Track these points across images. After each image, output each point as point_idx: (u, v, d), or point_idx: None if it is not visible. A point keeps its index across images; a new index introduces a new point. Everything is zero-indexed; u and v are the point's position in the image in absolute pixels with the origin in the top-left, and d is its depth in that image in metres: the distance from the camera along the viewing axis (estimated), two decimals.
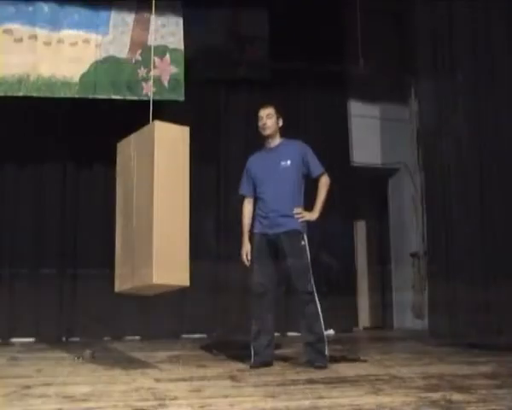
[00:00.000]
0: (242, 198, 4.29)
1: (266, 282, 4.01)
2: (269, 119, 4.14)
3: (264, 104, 4.23)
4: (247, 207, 4.24)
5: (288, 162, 4.08)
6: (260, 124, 4.17)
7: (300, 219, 4.03)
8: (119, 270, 3.95)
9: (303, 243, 4.01)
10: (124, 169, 4.01)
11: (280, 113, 4.22)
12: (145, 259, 3.61)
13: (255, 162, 4.25)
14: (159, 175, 3.62)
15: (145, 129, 3.87)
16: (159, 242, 3.56)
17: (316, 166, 4.15)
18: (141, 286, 3.78)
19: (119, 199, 4.04)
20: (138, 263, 3.69)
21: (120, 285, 3.93)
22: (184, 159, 3.77)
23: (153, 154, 3.64)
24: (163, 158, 3.66)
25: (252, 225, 4.19)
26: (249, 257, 4.10)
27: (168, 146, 3.71)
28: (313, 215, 4.07)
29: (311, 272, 3.98)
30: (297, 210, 4.03)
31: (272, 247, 4.05)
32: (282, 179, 4.06)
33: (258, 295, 4.02)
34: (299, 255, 3.97)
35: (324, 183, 4.15)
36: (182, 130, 3.81)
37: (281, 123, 4.21)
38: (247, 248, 4.13)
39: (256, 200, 4.21)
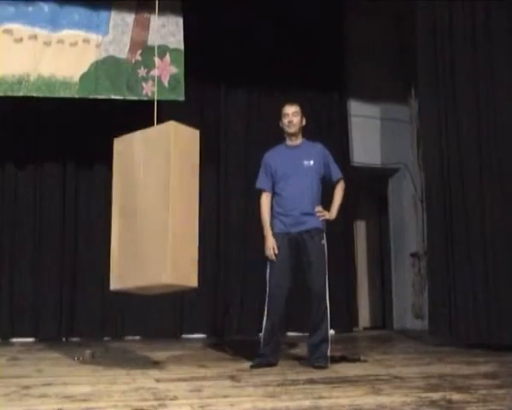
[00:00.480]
0: (259, 193, 4.22)
1: (282, 284, 3.99)
2: (294, 116, 4.14)
3: (289, 101, 4.23)
4: (266, 202, 4.17)
5: (311, 162, 4.10)
6: (285, 121, 4.15)
7: (321, 218, 4.05)
8: (116, 268, 3.90)
9: (323, 241, 4.03)
10: (124, 167, 3.98)
11: (304, 112, 4.22)
12: (155, 258, 3.62)
13: (275, 158, 4.20)
14: (174, 176, 3.63)
15: (157, 128, 3.90)
16: (172, 242, 3.58)
17: (336, 171, 4.23)
18: (146, 286, 3.79)
19: (118, 196, 3.99)
20: (145, 262, 3.69)
21: (120, 283, 3.88)
22: (195, 160, 3.81)
23: (168, 154, 3.65)
24: (178, 159, 3.68)
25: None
26: (276, 251, 4.00)
27: (182, 147, 3.73)
28: (332, 215, 4.14)
29: (327, 271, 4.00)
30: (318, 208, 4.06)
31: (293, 246, 4.03)
32: (304, 178, 4.06)
33: (274, 297, 3.99)
34: (320, 254, 3.99)
35: (342, 187, 4.25)
36: (193, 132, 3.85)
37: (304, 122, 4.21)
38: (272, 241, 4.03)
39: (273, 196, 4.17)
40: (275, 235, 4.06)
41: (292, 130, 4.15)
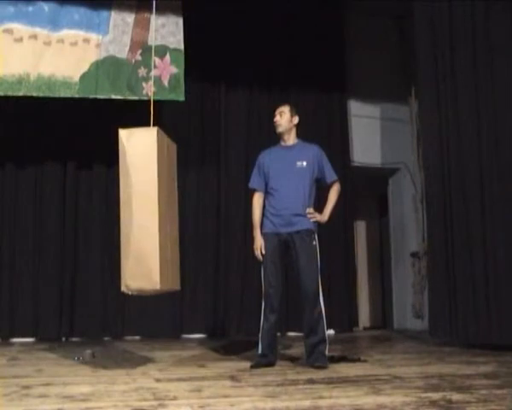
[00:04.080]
0: (252, 192, 4.23)
1: (275, 283, 3.99)
2: (280, 116, 4.16)
3: (281, 103, 4.27)
4: (258, 202, 4.18)
5: (304, 163, 4.09)
6: (274, 121, 4.20)
7: (312, 219, 4.04)
8: (159, 269, 3.63)
9: (314, 242, 4.01)
10: (160, 159, 3.76)
11: (295, 111, 4.21)
12: (176, 265, 3.93)
13: (269, 158, 4.21)
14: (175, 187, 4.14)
15: (169, 141, 4.03)
16: None
17: (330, 173, 4.20)
18: (172, 289, 4.00)
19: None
20: (173, 267, 3.85)
21: (164, 284, 3.70)
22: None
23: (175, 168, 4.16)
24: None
25: (261, 224, 4.14)
26: (263, 251, 4.02)
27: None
28: (324, 217, 4.11)
29: (319, 272, 3.99)
30: (309, 210, 4.04)
31: (283, 247, 4.03)
32: (296, 179, 4.05)
33: (269, 296, 3.99)
34: (311, 255, 3.97)
35: (336, 189, 4.21)
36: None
37: (295, 121, 4.19)
38: (260, 241, 4.05)
39: (266, 195, 4.18)
40: (264, 235, 4.07)
41: (278, 129, 4.17)
